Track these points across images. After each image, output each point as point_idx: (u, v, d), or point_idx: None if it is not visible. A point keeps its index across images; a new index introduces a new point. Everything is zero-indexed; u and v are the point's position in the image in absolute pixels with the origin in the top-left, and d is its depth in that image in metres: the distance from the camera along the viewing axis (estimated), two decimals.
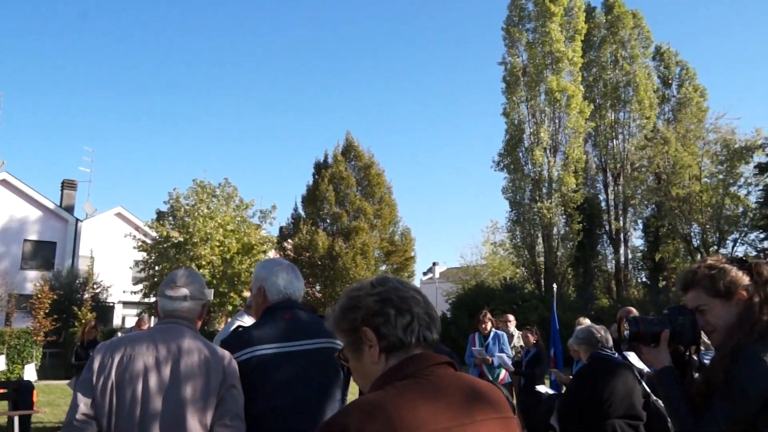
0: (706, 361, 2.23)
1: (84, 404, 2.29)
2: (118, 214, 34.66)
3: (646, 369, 5.26)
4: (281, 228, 30.81)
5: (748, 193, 28.87)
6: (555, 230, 28.86)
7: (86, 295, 25.42)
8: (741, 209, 28.74)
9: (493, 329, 8.58)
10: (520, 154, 29.21)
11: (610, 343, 4.73)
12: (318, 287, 28.43)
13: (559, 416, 4.63)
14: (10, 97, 66.97)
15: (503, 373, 8.40)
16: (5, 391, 9.41)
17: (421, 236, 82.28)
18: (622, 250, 32.18)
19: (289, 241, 29.46)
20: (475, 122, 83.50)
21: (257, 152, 79.07)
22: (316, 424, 2.57)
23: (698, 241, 28.74)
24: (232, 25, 73.48)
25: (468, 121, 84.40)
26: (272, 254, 26.00)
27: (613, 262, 32.30)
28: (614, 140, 31.89)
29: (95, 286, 26.42)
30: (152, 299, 23.40)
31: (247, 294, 19.07)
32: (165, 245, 23.25)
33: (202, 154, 69.84)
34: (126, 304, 30.85)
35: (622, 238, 32.09)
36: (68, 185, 33.96)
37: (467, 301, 26.11)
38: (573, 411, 4.53)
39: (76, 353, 10.09)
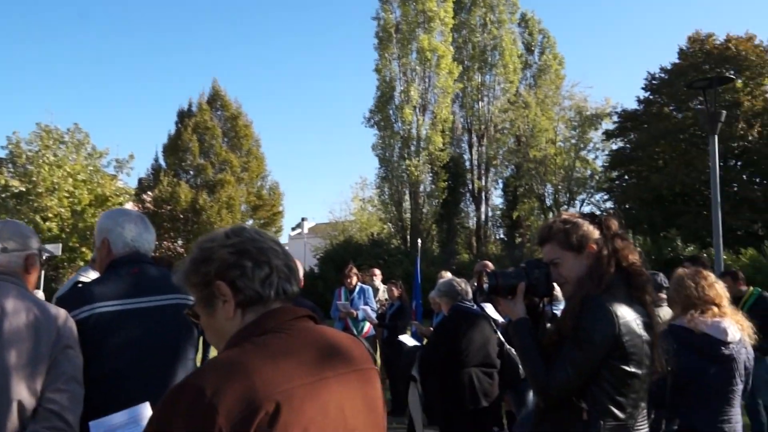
0: (558, 313, 2.31)
1: None
2: None
3: (501, 320, 5.53)
4: (140, 179, 29.16)
5: (596, 157, 31.46)
6: (421, 188, 29.67)
7: None
8: (589, 172, 31.21)
9: (359, 283, 8.66)
10: (391, 112, 29.50)
11: (470, 295, 4.89)
12: (180, 242, 27.39)
13: (420, 367, 4.76)
14: None
15: (367, 326, 8.54)
16: None
17: (290, 191, 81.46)
18: (483, 208, 33.83)
19: (149, 193, 27.94)
20: (348, 77, 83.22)
21: (112, 97, 73.56)
22: (166, 386, 2.39)
23: (551, 201, 30.88)
24: None
25: (340, 76, 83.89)
26: (130, 206, 24.52)
27: (475, 219, 33.90)
28: (480, 102, 33.05)
29: None
30: None
31: None
32: (3, 195, 21.19)
33: (47, 96, 63.78)
34: None
35: (483, 197, 33.68)
36: None
37: (335, 256, 26.30)
38: (433, 361, 4.66)
39: None
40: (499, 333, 5.01)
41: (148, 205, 27.68)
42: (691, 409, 3.32)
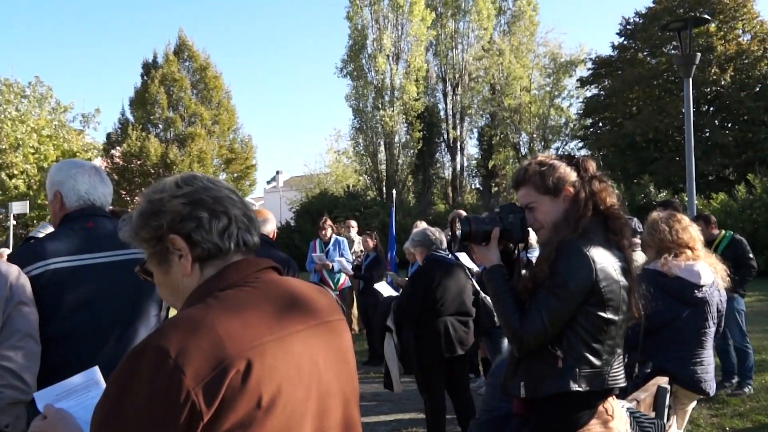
0: (534, 260, 2.24)
1: None
2: None
3: (476, 268, 5.52)
4: (109, 134, 28.43)
5: (570, 105, 31.45)
6: (396, 138, 29.50)
7: None
8: (563, 120, 31.24)
9: (334, 235, 8.61)
10: (363, 61, 29.04)
11: (444, 244, 4.85)
12: None
13: (395, 317, 4.73)
14: None
15: (343, 277, 8.54)
16: None
17: (264, 144, 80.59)
18: (458, 158, 33.78)
19: (118, 148, 27.28)
20: (319, 26, 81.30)
21: (74, 49, 71.07)
22: (128, 345, 2.30)
23: (526, 150, 30.94)
24: None
25: (312, 25, 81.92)
26: (98, 162, 23.99)
27: (450, 169, 33.89)
28: (454, 50, 32.57)
29: None
30: None
31: None
32: None
33: (6, 49, 61.39)
34: None
35: (458, 147, 33.57)
36: None
37: (311, 209, 26.21)
38: (408, 311, 4.64)
39: None
40: (474, 281, 4.99)
41: (118, 160, 27.11)
42: (663, 351, 3.34)
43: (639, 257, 3.89)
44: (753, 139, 23.24)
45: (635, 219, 4.82)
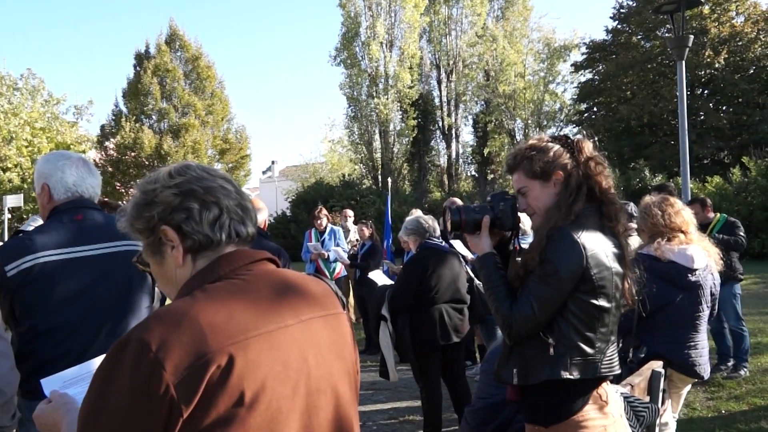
0: (526, 246, 2.23)
1: None
2: None
3: (470, 256, 5.51)
4: (102, 126, 28.27)
5: (565, 90, 31.38)
6: (391, 126, 29.38)
7: None
8: (558, 105, 31.19)
9: (329, 225, 8.59)
10: (357, 49, 28.86)
11: (438, 232, 4.83)
12: None
13: (390, 305, 4.73)
14: None
15: (339, 267, 8.52)
16: None
17: (259, 134, 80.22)
18: (453, 145, 33.69)
19: (112, 140, 27.13)
20: (312, 13, 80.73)
21: (64, 40, 70.49)
22: (118, 337, 2.30)
23: (521, 136, 30.89)
24: None
25: (304, 12, 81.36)
26: (93, 154, 23.90)
27: (446, 156, 33.80)
28: (447, 37, 32.40)
29: None
30: None
31: None
32: None
33: None
34: None
35: (453, 134, 33.50)
36: None
37: (307, 198, 26.14)
38: (402, 299, 4.63)
39: None
40: (468, 269, 4.98)
41: (112, 152, 26.98)
42: (657, 336, 3.34)
43: (635, 242, 3.88)
44: (747, 122, 23.24)
45: (631, 204, 4.81)
